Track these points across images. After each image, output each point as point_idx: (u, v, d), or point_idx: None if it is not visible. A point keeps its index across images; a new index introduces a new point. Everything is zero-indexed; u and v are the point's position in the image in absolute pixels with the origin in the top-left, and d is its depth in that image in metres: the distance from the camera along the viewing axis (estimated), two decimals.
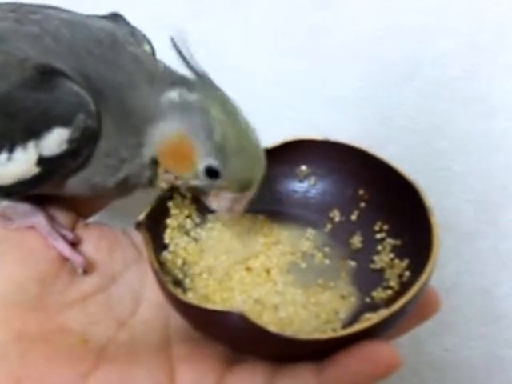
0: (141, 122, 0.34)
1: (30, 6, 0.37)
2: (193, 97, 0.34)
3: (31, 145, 0.33)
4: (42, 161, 0.33)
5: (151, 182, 0.36)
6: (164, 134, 0.34)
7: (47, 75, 0.32)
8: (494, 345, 0.58)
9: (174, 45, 0.34)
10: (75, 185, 0.35)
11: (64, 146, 0.33)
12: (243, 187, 0.35)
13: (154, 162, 0.35)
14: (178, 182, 0.35)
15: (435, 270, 0.32)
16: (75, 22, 0.36)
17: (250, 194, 0.35)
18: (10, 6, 0.37)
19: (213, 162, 0.33)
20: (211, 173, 0.34)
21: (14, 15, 0.35)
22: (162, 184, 0.36)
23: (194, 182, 0.35)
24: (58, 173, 0.34)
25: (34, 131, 0.32)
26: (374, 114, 0.52)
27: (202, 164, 0.34)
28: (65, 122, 0.32)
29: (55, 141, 0.33)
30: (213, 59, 0.52)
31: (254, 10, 0.52)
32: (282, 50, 0.52)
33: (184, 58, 0.34)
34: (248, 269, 0.37)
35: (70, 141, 0.33)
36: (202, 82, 0.34)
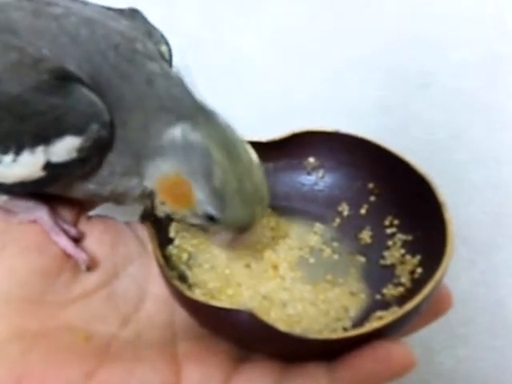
0: (139, 150, 0.33)
1: None
2: (195, 136, 0.32)
3: (40, 150, 0.32)
4: (48, 166, 0.32)
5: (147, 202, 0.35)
6: (162, 171, 0.33)
7: (63, 81, 0.31)
8: (507, 357, 0.57)
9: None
10: (72, 188, 0.35)
11: (74, 154, 0.32)
12: (242, 229, 0.34)
13: (152, 194, 0.34)
14: (176, 216, 0.35)
15: (447, 270, 0.31)
16: (94, 21, 0.34)
17: (250, 233, 0.35)
18: None
19: (210, 208, 0.32)
20: (209, 217, 0.33)
21: (30, 5, 0.34)
22: (160, 214, 0.35)
23: (191, 220, 0.34)
24: (63, 178, 0.33)
25: (45, 137, 0.31)
26: (390, 124, 0.51)
27: (199, 208, 0.33)
28: (78, 131, 0.31)
29: (65, 148, 0.32)
30: (227, 65, 0.52)
31: (270, 17, 0.51)
32: (296, 59, 0.51)
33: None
34: (255, 264, 0.36)
35: (81, 149, 0.32)
36: (207, 117, 0.33)
